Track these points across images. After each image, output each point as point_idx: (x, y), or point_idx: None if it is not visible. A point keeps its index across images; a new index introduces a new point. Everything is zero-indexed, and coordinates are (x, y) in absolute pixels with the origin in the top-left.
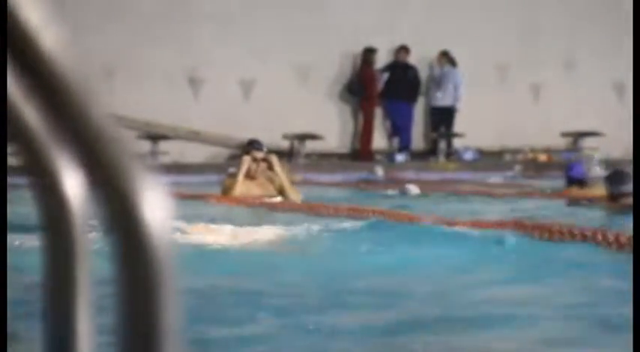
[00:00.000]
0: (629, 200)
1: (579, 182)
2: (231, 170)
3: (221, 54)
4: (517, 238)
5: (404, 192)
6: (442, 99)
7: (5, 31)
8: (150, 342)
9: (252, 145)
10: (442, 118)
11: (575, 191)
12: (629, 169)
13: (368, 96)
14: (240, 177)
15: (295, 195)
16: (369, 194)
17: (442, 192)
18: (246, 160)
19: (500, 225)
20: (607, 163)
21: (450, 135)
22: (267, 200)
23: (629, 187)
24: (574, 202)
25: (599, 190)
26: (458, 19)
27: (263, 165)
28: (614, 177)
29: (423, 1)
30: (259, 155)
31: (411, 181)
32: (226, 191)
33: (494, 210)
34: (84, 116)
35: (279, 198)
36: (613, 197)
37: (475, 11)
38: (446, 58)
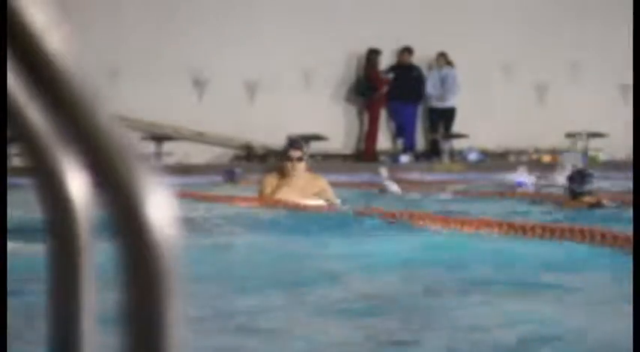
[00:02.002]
0: (590, 199)
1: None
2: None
3: (226, 55)
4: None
5: (384, 190)
6: (441, 100)
7: (10, 32)
8: (155, 341)
9: (291, 145)
10: (441, 119)
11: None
12: (590, 170)
13: (376, 96)
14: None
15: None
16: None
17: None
18: (300, 166)
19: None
20: (611, 164)
21: (451, 136)
22: (307, 203)
23: (590, 187)
24: (537, 202)
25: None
26: (462, 20)
27: (300, 165)
28: (577, 177)
29: (427, 2)
30: (296, 154)
31: (414, 182)
32: (265, 192)
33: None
34: (88, 117)
35: (321, 202)
36: (575, 195)
37: (480, 12)
38: (444, 58)
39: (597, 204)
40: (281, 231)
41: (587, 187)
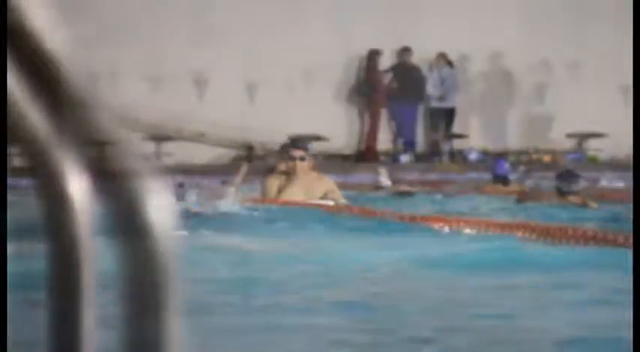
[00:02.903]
0: (576, 198)
1: (503, 179)
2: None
3: (226, 55)
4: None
5: (379, 185)
6: (441, 100)
7: (10, 32)
8: (154, 343)
9: (293, 144)
10: (442, 119)
11: (499, 187)
12: (577, 171)
13: (376, 97)
14: (293, 183)
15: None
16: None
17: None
18: (303, 166)
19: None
20: (612, 164)
21: (451, 136)
22: (315, 202)
23: (577, 186)
24: (523, 200)
25: (519, 187)
26: (461, 20)
27: (303, 164)
28: (564, 176)
29: (426, 2)
30: (297, 153)
31: (413, 182)
32: (269, 192)
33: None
34: (88, 117)
35: (330, 202)
36: (562, 194)
37: (480, 12)
38: (444, 58)
39: (583, 204)
40: (283, 231)
41: (575, 187)
